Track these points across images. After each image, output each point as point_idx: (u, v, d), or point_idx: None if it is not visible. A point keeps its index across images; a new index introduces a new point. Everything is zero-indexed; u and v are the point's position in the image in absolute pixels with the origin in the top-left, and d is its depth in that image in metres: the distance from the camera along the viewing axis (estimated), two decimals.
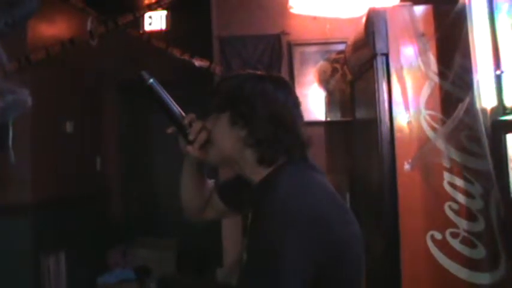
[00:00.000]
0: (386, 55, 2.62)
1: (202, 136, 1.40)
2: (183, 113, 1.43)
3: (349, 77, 3.65)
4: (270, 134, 1.31)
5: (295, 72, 3.89)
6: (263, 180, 1.33)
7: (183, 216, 1.71)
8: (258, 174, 1.35)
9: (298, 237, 1.15)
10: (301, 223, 1.16)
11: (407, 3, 2.73)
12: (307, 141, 1.37)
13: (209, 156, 1.43)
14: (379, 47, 2.63)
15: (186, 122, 1.42)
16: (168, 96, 1.42)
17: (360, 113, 3.31)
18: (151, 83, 1.39)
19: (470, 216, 2.48)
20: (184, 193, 1.66)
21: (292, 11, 3.72)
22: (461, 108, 2.39)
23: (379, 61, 2.64)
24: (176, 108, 1.42)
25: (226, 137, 1.36)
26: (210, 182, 1.70)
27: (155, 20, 5.11)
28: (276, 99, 1.34)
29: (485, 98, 2.38)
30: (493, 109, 2.37)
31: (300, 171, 1.31)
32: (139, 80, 1.40)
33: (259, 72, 1.44)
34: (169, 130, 1.46)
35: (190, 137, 1.40)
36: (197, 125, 1.41)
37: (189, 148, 1.42)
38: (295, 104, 1.38)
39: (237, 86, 1.38)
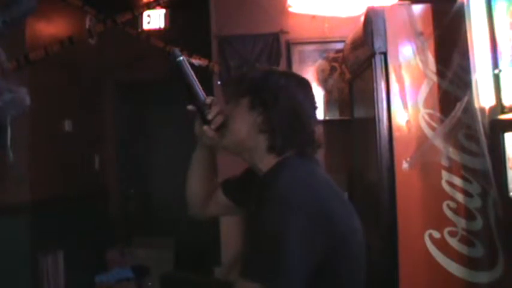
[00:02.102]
0: (385, 54, 2.62)
1: (220, 118, 1.47)
2: (205, 95, 1.50)
3: (347, 75, 3.65)
4: (285, 124, 1.38)
5: (294, 71, 3.89)
6: (269, 170, 1.39)
7: (184, 213, 1.74)
8: (265, 163, 1.41)
9: (301, 224, 1.19)
10: (304, 212, 1.20)
11: (406, 2, 2.74)
12: (318, 141, 1.45)
13: (223, 140, 1.48)
14: (378, 45, 2.63)
15: (207, 101, 1.48)
16: (194, 76, 1.49)
17: (359, 112, 3.32)
18: (180, 61, 1.48)
19: (469, 215, 2.48)
20: (191, 181, 1.69)
21: (290, 9, 3.73)
22: (460, 107, 2.40)
23: (378, 60, 2.64)
24: (199, 88, 1.50)
25: (242, 120, 1.42)
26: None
27: (154, 19, 5.10)
28: (296, 95, 1.41)
29: (484, 97, 2.39)
30: (491, 108, 2.37)
31: (304, 164, 1.37)
32: (171, 57, 1.48)
33: (285, 70, 1.51)
34: (189, 107, 1.51)
35: (209, 116, 1.47)
36: (217, 107, 1.48)
37: (206, 127, 1.47)
38: (312, 104, 1.47)
39: (263, 75, 1.46)
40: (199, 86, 1.50)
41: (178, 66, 1.48)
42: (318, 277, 1.21)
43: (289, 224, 1.18)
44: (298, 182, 1.27)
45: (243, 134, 1.42)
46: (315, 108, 1.48)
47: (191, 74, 1.49)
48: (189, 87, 1.49)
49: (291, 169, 1.33)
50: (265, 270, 1.17)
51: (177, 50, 1.48)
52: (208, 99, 1.49)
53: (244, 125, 1.42)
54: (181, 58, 1.48)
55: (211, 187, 1.71)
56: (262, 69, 1.52)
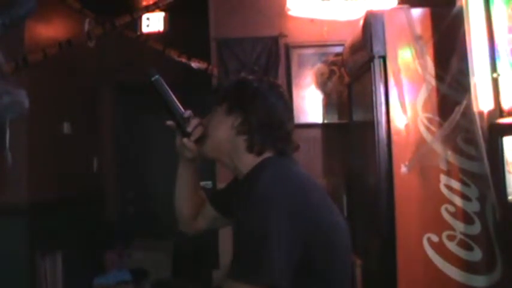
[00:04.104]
0: (384, 57, 2.62)
1: (199, 129, 1.53)
2: (183, 110, 1.57)
3: (346, 79, 3.65)
4: (262, 123, 1.43)
5: (293, 75, 3.89)
6: (250, 171, 1.43)
7: (177, 227, 1.77)
8: (246, 164, 1.45)
9: (284, 219, 1.21)
10: (285, 208, 1.23)
11: (405, 6, 2.74)
12: (295, 143, 1.49)
13: (204, 149, 1.53)
14: (377, 49, 2.63)
15: (185, 116, 1.55)
16: (170, 93, 1.56)
17: (357, 116, 3.32)
18: (155, 79, 1.55)
19: (467, 218, 2.48)
20: (179, 197, 1.73)
21: (290, 13, 3.73)
22: (458, 111, 2.40)
23: (377, 64, 2.64)
24: (176, 104, 1.56)
25: (221, 125, 1.48)
26: (206, 184, 1.77)
27: (153, 22, 5.10)
28: (269, 96, 1.47)
29: (482, 101, 2.38)
30: (490, 112, 2.37)
31: (284, 163, 1.42)
32: (147, 76, 1.55)
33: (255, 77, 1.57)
34: (168, 122, 1.58)
35: (189, 129, 1.53)
36: (195, 120, 1.55)
37: (186, 140, 1.54)
38: (285, 105, 1.51)
39: (237, 82, 1.54)
40: (177, 102, 1.56)
41: (154, 84, 1.55)
42: (303, 271, 1.23)
43: (271, 221, 1.20)
44: (279, 180, 1.31)
45: (222, 137, 1.47)
46: (289, 109, 1.53)
47: (167, 91, 1.55)
48: (166, 104, 1.56)
49: (271, 168, 1.37)
50: (250, 269, 1.19)
51: (152, 70, 1.55)
52: (187, 113, 1.55)
53: (223, 129, 1.47)
54: (156, 77, 1.54)
55: (198, 201, 1.75)
56: (235, 78, 1.60)
